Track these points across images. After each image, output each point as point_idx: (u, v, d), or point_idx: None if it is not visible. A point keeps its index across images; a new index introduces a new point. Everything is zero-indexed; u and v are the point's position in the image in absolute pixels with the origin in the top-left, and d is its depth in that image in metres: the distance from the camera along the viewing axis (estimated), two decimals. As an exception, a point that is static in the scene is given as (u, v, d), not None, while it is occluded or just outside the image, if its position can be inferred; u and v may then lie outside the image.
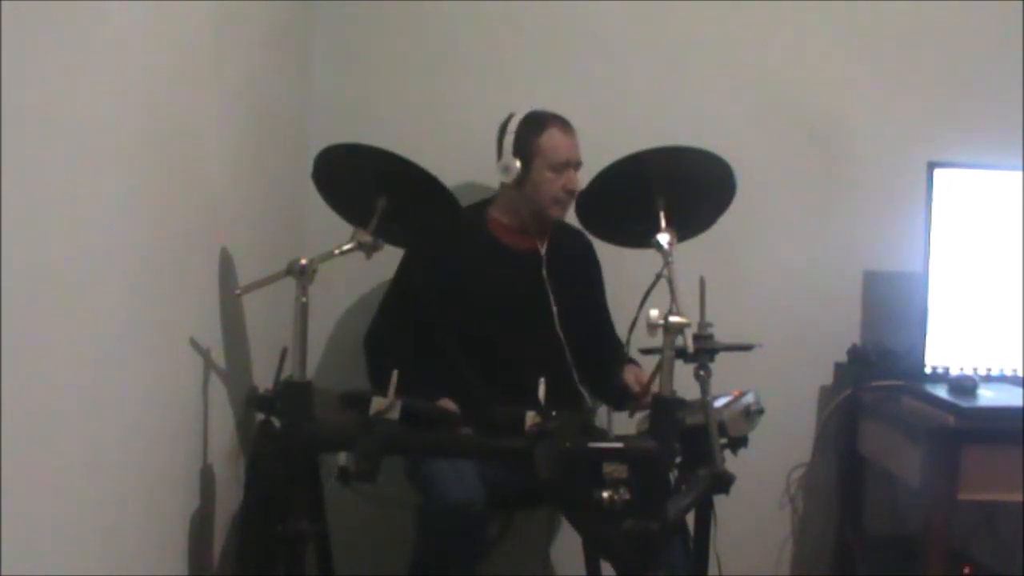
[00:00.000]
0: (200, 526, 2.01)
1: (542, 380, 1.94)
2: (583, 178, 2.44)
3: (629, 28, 3.01)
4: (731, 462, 2.12)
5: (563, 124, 2.60)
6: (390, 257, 2.51)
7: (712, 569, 2.26)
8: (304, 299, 1.97)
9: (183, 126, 1.83)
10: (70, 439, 1.37)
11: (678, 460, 2.06)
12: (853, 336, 3.02)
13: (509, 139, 2.57)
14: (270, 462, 1.98)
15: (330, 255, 2.04)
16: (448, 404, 2.39)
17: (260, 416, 2.12)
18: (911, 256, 2.86)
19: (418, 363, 2.49)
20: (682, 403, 2.03)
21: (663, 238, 2.05)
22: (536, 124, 2.58)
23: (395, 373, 2.00)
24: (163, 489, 1.81)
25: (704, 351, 2.05)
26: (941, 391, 2.57)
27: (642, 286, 2.07)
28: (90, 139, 1.40)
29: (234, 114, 2.16)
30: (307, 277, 1.96)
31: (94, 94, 1.41)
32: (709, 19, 3.02)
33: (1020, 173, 2.78)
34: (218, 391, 2.08)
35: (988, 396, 2.56)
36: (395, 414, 1.97)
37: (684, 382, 2.00)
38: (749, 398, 2.22)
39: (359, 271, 2.47)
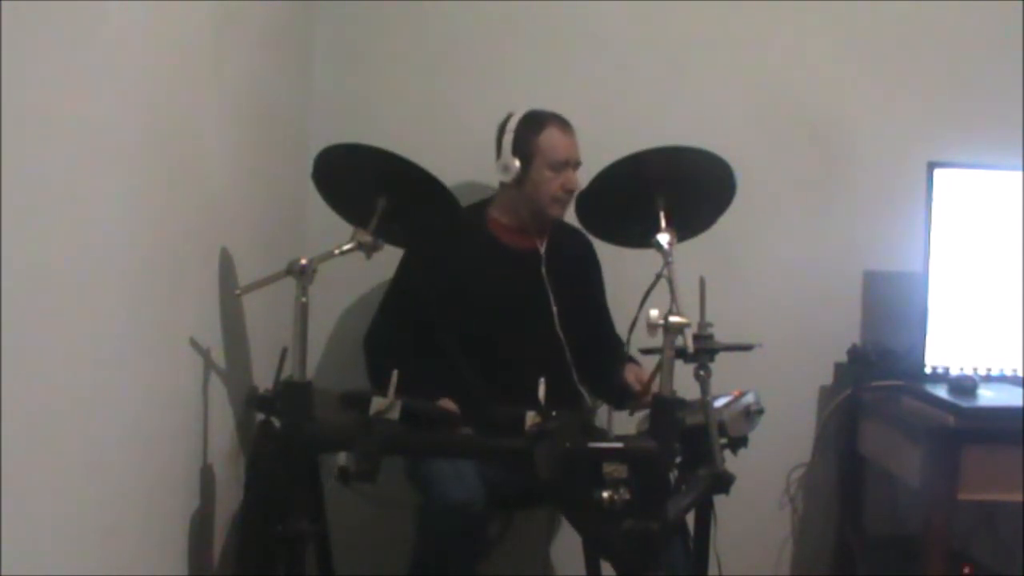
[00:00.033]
0: (200, 526, 2.01)
1: (542, 380, 1.94)
2: (583, 178, 2.44)
3: (629, 28, 3.01)
4: (731, 462, 2.12)
5: (562, 123, 2.60)
6: (390, 257, 2.51)
7: (712, 569, 2.26)
8: (304, 299, 1.97)
9: (183, 126, 1.83)
10: (70, 439, 1.37)
11: (678, 460, 2.06)
12: (853, 336, 3.02)
13: (508, 138, 2.57)
14: (270, 462, 1.98)
15: (330, 255, 2.04)
16: (448, 404, 2.39)
17: (260, 416, 2.12)
18: (911, 256, 2.86)
19: (418, 363, 2.48)
20: (682, 403, 2.03)
21: (663, 238, 2.05)
22: (535, 123, 2.58)
23: (395, 373, 2.00)
24: (163, 489, 1.81)
25: (704, 351, 2.05)
26: (941, 391, 2.57)
27: (642, 286, 2.07)
28: (90, 139, 1.40)
29: (234, 114, 2.16)
30: (307, 277, 1.96)
31: (94, 94, 1.41)
32: (709, 19, 3.02)
33: (1020, 173, 2.78)
34: (218, 391, 2.08)
35: (988, 396, 2.56)
36: (395, 414, 1.97)
37: (684, 382, 2.00)
38: (749, 398, 2.22)
39: (359, 271, 2.47)
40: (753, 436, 2.22)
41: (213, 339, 2.04)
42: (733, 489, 2.07)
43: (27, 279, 1.21)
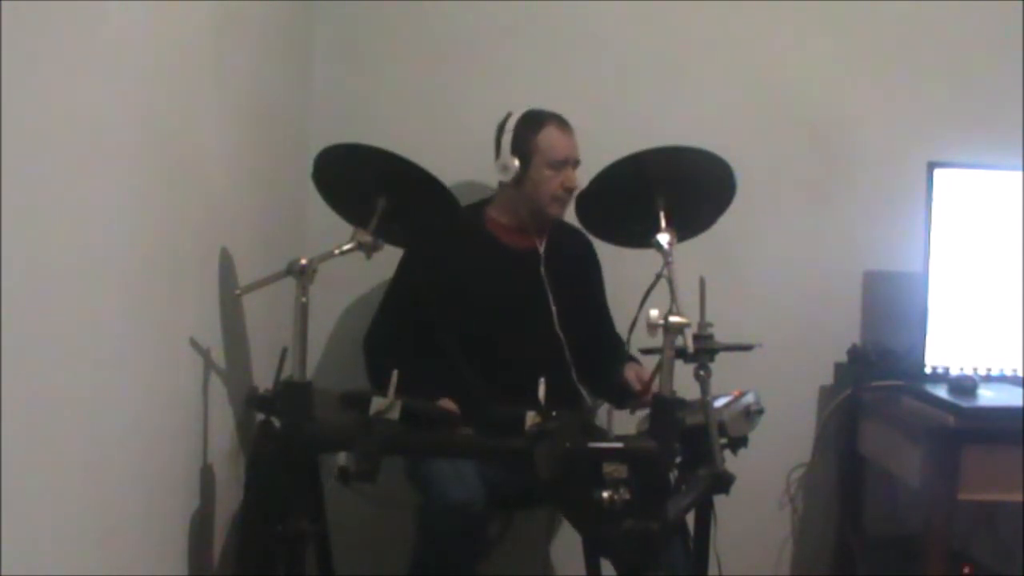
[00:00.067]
0: (200, 526, 2.01)
1: (542, 380, 1.95)
2: (582, 178, 2.44)
3: (629, 28, 3.01)
4: (731, 462, 2.12)
5: (561, 122, 2.60)
6: (390, 257, 2.51)
7: (712, 569, 2.26)
8: (304, 299, 1.97)
9: (183, 126, 1.83)
10: (70, 439, 1.37)
11: (678, 460, 2.06)
12: (853, 336, 3.02)
13: (507, 138, 2.57)
14: (270, 462, 1.97)
15: (330, 255, 2.04)
16: (448, 404, 2.38)
17: (260, 416, 2.12)
18: (911, 256, 2.86)
19: (418, 363, 2.48)
20: (682, 403, 2.03)
21: (663, 238, 2.05)
22: (534, 122, 2.58)
23: (395, 373, 2.00)
24: (163, 489, 1.81)
25: (704, 351, 2.05)
26: (941, 391, 2.57)
27: (642, 286, 2.07)
28: (90, 139, 1.40)
29: (234, 114, 2.16)
30: (307, 277, 1.97)
31: (94, 94, 1.41)
32: (709, 19, 3.02)
33: (1020, 173, 2.78)
34: (218, 391, 2.08)
35: (988, 396, 2.56)
36: (395, 414, 1.97)
37: (684, 382, 2.00)
38: (749, 398, 2.22)
39: (359, 271, 2.47)
40: (753, 436, 2.22)
41: (213, 339, 2.04)
42: (733, 489, 2.07)
43: (27, 279, 1.21)
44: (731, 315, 2.31)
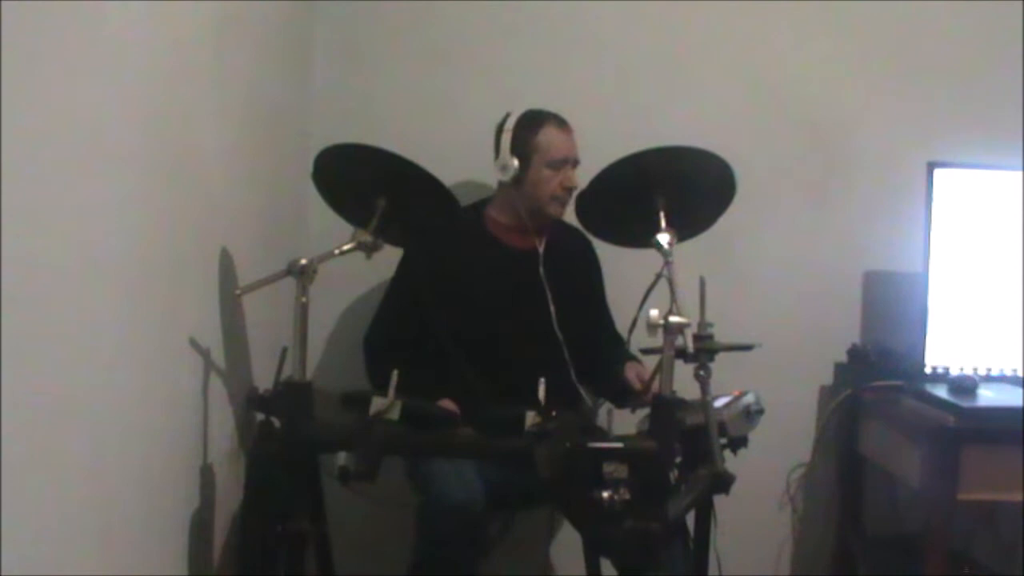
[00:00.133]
0: (200, 526, 2.01)
1: (542, 380, 1.94)
2: (582, 177, 2.44)
3: (629, 28, 3.01)
4: (731, 462, 2.12)
5: (560, 122, 2.61)
6: (390, 257, 2.51)
7: (712, 569, 2.26)
8: (304, 299, 1.97)
9: (183, 126, 1.83)
10: (70, 439, 1.37)
11: (678, 460, 2.06)
12: (853, 336, 3.02)
13: (506, 138, 2.57)
14: (270, 462, 1.97)
15: (330, 255, 2.04)
16: (448, 404, 2.39)
17: (260, 416, 2.12)
18: (911, 256, 2.86)
19: (418, 363, 2.49)
20: (682, 403, 2.03)
21: (663, 238, 2.05)
22: (533, 122, 2.59)
23: (395, 373, 2.00)
24: (163, 489, 1.81)
25: (704, 351, 2.05)
26: (941, 391, 2.57)
27: (642, 286, 2.07)
28: (90, 139, 1.40)
29: (234, 114, 2.16)
30: (307, 277, 1.97)
31: (94, 94, 1.41)
32: (708, 19, 3.02)
33: (1020, 173, 2.78)
34: (218, 391, 2.08)
35: (988, 396, 2.56)
36: (395, 414, 1.97)
37: (684, 382, 2.00)
38: (749, 398, 2.22)
39: (359, 271, 2.47)
40: (753, 436, 2.22)
41: (213, 339, 2.04)
42: (733, 489, 2.06)
43: (27, 279, 1.21)
44: (731, 315, 2.31)
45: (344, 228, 2.15)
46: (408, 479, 2.47)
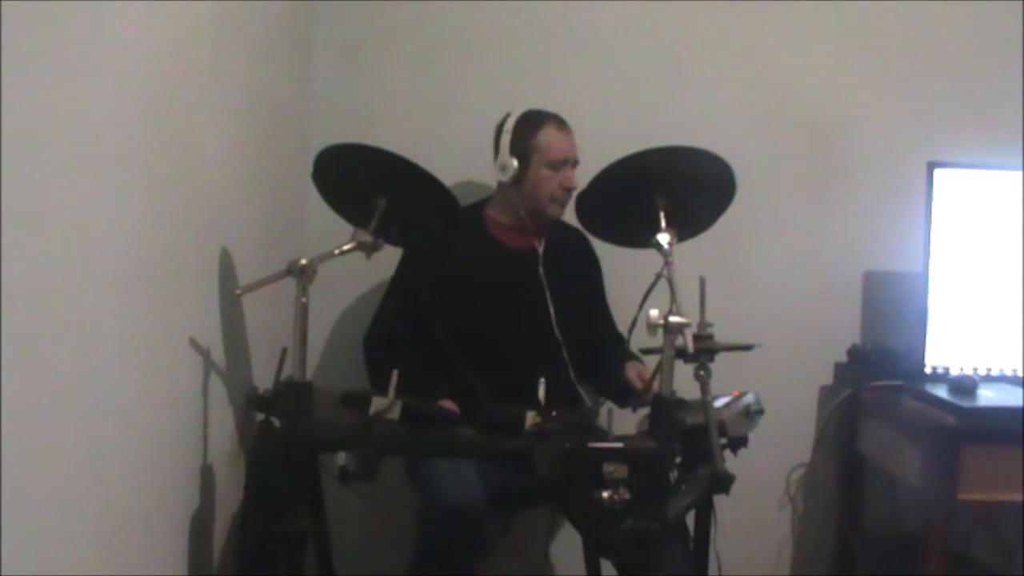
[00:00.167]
0: (200, 526, 2.01)
1: (542, 380, 1.94)
2: (581, 177, 2.44)
3: (628, 28, 3.01)
4: (731, 462, 2.12)
5: (559, 122, 2.61)
6: (390, 257, 2.51)
7: (712, 569, 2.26)
8: (304, 299, 1.97)
9: (183, 126, 1.83)
10: (70, 439, 1.37)
11: (678, 460, 2.06)
12: (853, 336, 3.02)
13: (506, 138, 2.57)
14: (270, 462, 1.97)
15: (330, 255, 2.04)
16: (448, 404, 2.38)
17: (260, 416, 2.12)
18: (911, 256, 2.86)
19: (418, 363, 2.49)
20: (682, 403, 2.03)
21: (663, 238, 2.05)
22: (532, 122, 2.59)
23: (395, 373, 2.00)
24: (163, 489, 1.81)
25: (704, 351, 2.05)
26: (941, 391, 2.57)
27: (642, 286, 2.07)
28: (90, 139, 1.40)
29: (234, 114, 2.16)
30: (307, 277, 1.96)
31: (94, 94, 1.41)
32: (708, 19, 3.02)
33: (1020, 173, 2.78)
34: (218, 391, 2.08)
35: (988, 396, 2.56)
36: (395, 414, 1.97)
37: (684, 382, 2.00)
38: (749, 398, 2.22)
39: (359, 271, 2.47)
40: (753, 436, 2.21)
41: (213, 339, 2.04)
42: (733, 489, 2.06)
43: (27, 279, 1.21)
44: (731, 315, 2.31)
45: (344, 228, 2.15)
46: (408, 479, 2.46)
